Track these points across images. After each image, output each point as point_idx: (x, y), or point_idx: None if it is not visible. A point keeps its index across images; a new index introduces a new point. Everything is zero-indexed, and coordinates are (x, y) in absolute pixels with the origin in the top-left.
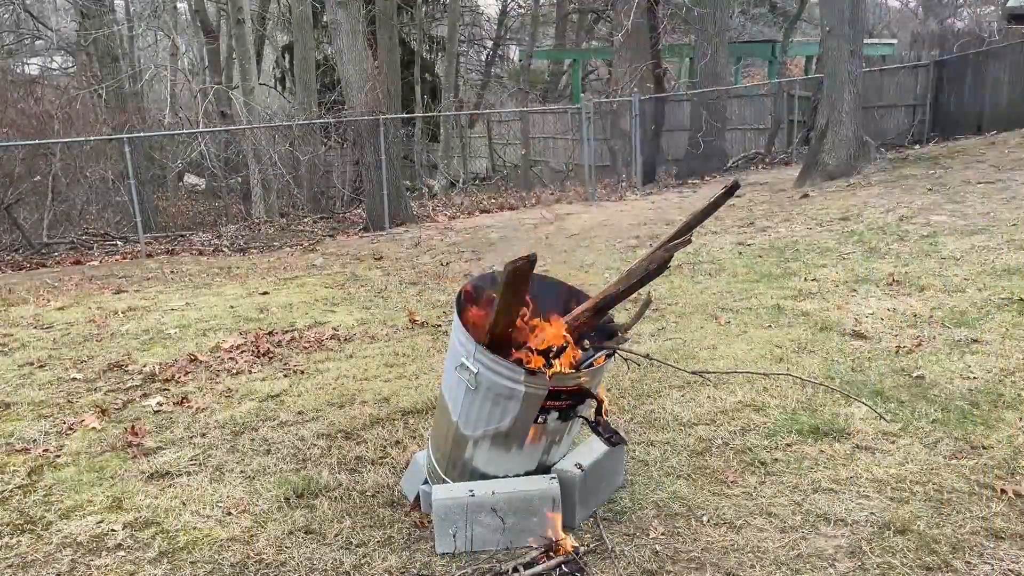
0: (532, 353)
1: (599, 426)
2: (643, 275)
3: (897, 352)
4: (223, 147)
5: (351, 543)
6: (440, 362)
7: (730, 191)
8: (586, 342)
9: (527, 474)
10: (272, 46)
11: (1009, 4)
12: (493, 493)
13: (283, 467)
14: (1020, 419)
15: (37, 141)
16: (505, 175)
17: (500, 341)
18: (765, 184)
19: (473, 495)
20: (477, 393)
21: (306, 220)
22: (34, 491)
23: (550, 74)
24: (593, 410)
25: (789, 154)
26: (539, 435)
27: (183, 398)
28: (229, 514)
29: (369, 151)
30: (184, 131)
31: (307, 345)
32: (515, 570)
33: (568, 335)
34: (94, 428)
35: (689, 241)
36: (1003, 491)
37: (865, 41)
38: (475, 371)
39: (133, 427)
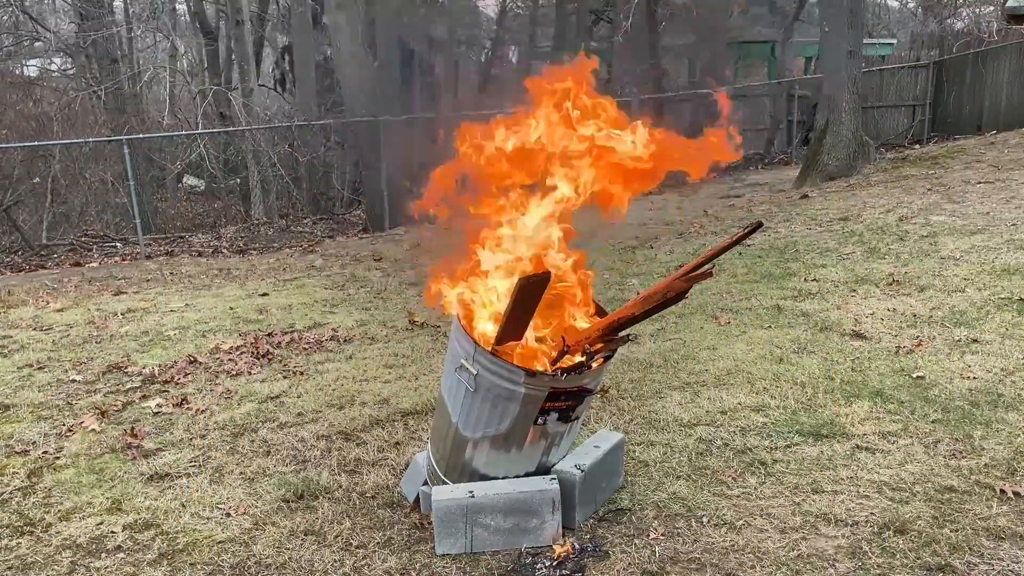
0: (532, 355)
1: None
2: (660, 302)
3: (897, 352)
4: (222, 148)
5: (351, 544)
6: (440, 363)
7: (753, 229)
8: (586, 344)
9: (527, 475)
10: (271, 47)
11: (1008, 4)
12: (493, 494)
13: (283, 468)
14: (1020, 419)
15: (36, 143)
16: None
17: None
18: (764, 184)
19: (473, 496)
20: (477, 395)
21: (305, 221)
22: (34, 493)
23: None
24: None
25: (788, 154)
26: (539, 436)
27: (182, 399)
28: (229, 516)
29: (368, 152)
30: (183, 132)
31: (306, 346)
32: (515, 571)
33: (573, 345)
34: (93, 430)
35: (710, 274)
36: (1003, 491)
37: (865, 41)
38: (475, 372)
39: (132, 429)
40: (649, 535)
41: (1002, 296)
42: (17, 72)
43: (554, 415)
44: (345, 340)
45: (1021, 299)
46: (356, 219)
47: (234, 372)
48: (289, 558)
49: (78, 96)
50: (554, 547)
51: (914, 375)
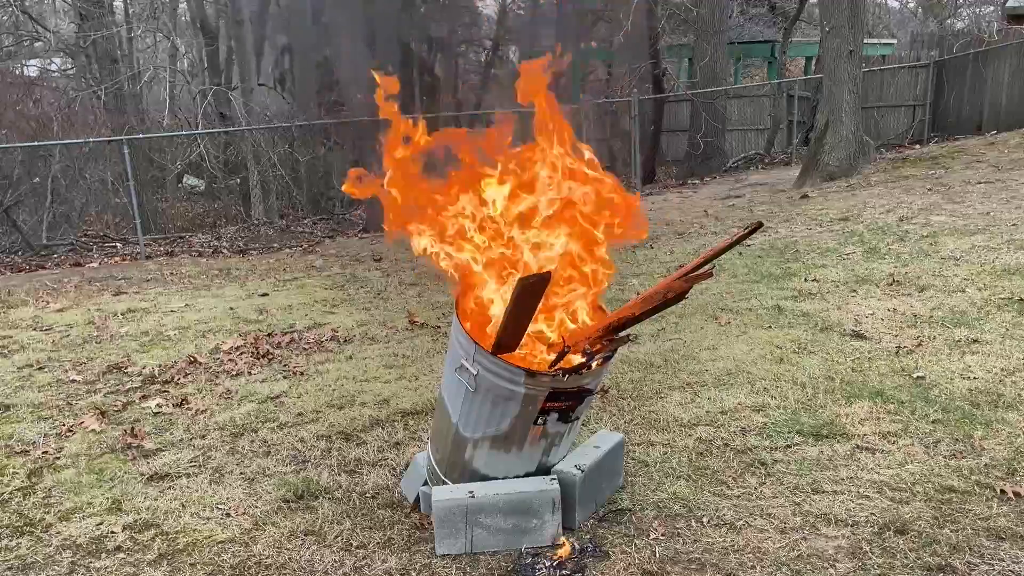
0: (532, 355)
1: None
2: (660, 302)
3: (897, 352)
4: (222, 148)
5: (351, 545)
6: (440, 363)
7: (754, 229)
8: (586, 344)
9: (527, 475)
10: (272, 47)
11: (1009, 4)
12: (493, 494)
13: (283, 469)
14: (1020, 419)
15: (36, 143)
16: None
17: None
18: (765, 185)
19: (473, 497)
20: (477, 395)
21: (305, 221)
22: (34, 493)
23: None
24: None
25: (789, 154)
26: (539, 437)
27: (182, 400)
28: (229, 516)
29: (368, 152)
30: (183, 132)
31: (307, 346)
32: (515, 571)
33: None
34: (93, 430)
35: (710, 274)
36: (1003, 491)
37: (865, 41)
38: (475, 373)
39: (132, 429)
40: (649, 535)
41: (1002, 296)
42: (17, 72)
43: (554, 415)
44: (345, 340)
45: (1021, 299)
46: (356, 219)
47: (234, 372)
48: (289, 558)
49: (78, 96)
50: (554, 547)
51: (914, 375)
